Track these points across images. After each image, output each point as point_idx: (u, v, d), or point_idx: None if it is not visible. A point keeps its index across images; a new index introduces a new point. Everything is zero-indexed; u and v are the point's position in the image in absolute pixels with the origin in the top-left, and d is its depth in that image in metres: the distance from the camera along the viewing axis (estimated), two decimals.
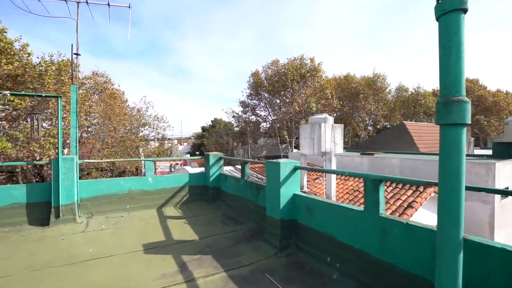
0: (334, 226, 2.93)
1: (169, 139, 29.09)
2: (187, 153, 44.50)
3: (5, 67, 12.57)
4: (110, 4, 4.92)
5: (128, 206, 4.97)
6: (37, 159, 13.20)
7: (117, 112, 17.33)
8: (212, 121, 45.82)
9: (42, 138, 12.64)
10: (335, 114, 29.70)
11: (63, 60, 15.45)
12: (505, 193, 1.89)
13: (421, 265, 2.10)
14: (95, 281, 2.69)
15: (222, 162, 5.78)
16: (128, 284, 2.67)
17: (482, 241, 1.77)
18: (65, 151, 16.50)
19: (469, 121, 1.38)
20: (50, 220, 4.18)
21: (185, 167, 20.18)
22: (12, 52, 13.56)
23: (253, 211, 4.47)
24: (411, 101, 32.05)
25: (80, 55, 4.48)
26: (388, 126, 34.73)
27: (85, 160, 4.75)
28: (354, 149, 21.07)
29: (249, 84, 29.17)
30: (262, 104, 30.15)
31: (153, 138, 22.83)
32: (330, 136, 11.21)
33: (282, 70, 25.94)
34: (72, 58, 4.35)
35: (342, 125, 11.67)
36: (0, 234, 3.86)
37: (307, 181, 11.65)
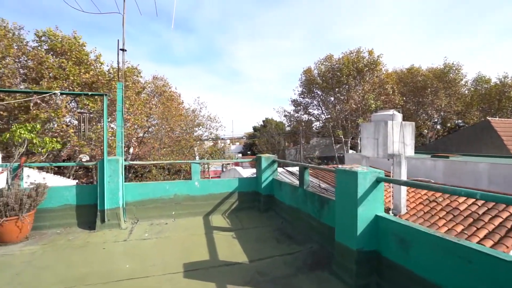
0: (445, 273, 1.89)
1: (222, 139, 29.77)
2: (239, 152, 45.32)
3: (83, 76, 14.13)
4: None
5: (173, 213, 4.59)
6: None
7: (173, 113, 18.18)
8: (263, 121, 45.76)
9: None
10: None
11: (127, 67, 16.83)
12: None
13: None
14: None
15: (275, 166, 5.02)
16: None
17: None
18: (130, 150, 17.98)
19: None
20: (96, 224, 4.00)
21: (236, 167, 20.15)
22: (89, 62, 15.27)
23: (315, 230, 3.58)
24: (494, 94, 25.70)
25: (126, 50, 4.25)
26: (461, 124, 29.28)
27: (130, 162, 4.49)
28: (421, 150, 18.00)
29: (301, 82, 27.91)
30: (315, 102, 28.59)
31: (206, 138, 23.50)
32: (399, 135, 9.55)
33: (337, 65, 24.00)
34: (118, 54, 4.13)
35: (413, 123, 9.82)
36: (51, 237, 3.79)
37: None
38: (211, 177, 23.97)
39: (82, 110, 4.17)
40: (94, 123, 14.99)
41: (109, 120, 15.11)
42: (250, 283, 2.68)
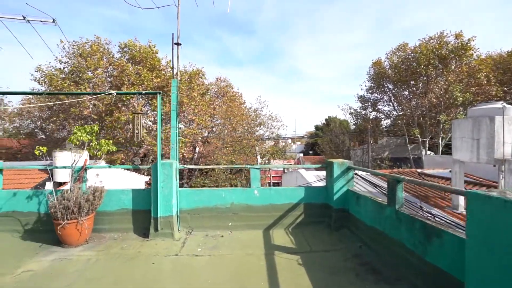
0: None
1: (283, 138, 29.09)
2: (300, 152, 43.92)
3: (155, 80, 15.34)
4: None
5: (230, 224, 4.05)
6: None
7: (235, 113, 18.32)
8: (326, 120, 43.28)
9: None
10: None
11: (193, 69, 17.64)
12: None
13: None
14: None
15: (351, 174, 4.00)
16: None
17: None
18: (196, 149, 18.86)
19: None
20: (150, 232, 3.74)
21: (299, 170, 19.13)
22: (160, 68, 16.52)
23: (415, 269, 2.51)
24: None
25: (181, 44, 3.90)
26: None
27: (185, 166, 4.13)
28: None
29: (369, 76, 24.99)
30: (385, 97, 25.25)
31: (267, 137, 23.16)
32: (511, 135, 7.22)
33: (412, 54, 20.49)
34: (172, 48, 3.81)
35: None
36: (108, 242, 3.67)
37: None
38: (272, 177, 23.52)
39: (138, 111, 4.02)
40: (163, 124, 16.15)
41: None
42: None
